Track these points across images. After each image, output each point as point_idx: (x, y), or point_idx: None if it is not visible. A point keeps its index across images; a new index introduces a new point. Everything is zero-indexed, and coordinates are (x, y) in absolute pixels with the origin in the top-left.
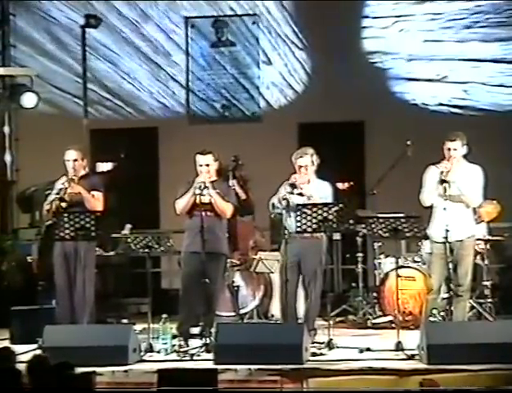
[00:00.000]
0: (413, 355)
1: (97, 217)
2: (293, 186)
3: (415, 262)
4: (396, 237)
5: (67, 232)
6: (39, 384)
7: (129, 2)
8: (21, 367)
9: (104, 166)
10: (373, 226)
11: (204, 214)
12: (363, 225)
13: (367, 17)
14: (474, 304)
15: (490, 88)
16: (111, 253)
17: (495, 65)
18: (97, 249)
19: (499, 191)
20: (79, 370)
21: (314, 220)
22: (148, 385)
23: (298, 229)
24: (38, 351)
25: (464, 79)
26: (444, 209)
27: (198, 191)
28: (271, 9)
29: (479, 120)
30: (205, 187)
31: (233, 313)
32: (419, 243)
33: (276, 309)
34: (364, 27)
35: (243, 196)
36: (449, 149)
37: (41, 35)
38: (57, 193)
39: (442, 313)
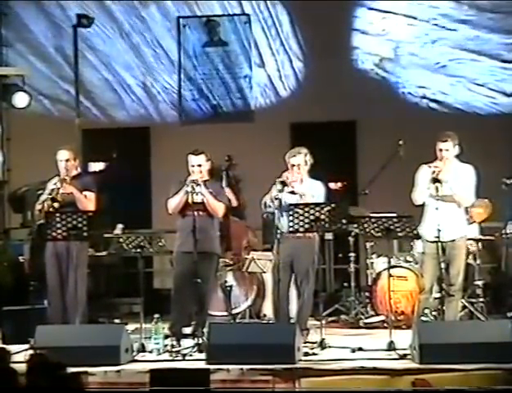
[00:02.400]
0: (405, 355)
1: (89, 217)
2: (283, 183)
3: (407, 262)
4: (388, 237)
5: (59, 232)
6: (38, 383)
7: (121, 2)
8: (16, 367)
9: (96, 166)
10: (365, 226)
11: (196, 213)
12: (355, 225)
13: (363, 6)
14: (466, 304)
15: (473, 86)
16: (103, 253)
17: (490, 61)
18: (89, 249)
19: (490, 191)
20: (71, 370)
21: (306, 220)
22: (140, 385)
23: (291, 229)
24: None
25: (457, 73)
26: (436, 208)
27: (190, 189)
28: (264, 8)
29: (472, 120)
30: (197, 184)
31: (225, 313)
32: (412, 243)
33: (268, 308)
34: (355, 17)
35: (234, 202)
36: (441, 150)
37: (33, 35)
38: (49, 193)
39: (434, 313)
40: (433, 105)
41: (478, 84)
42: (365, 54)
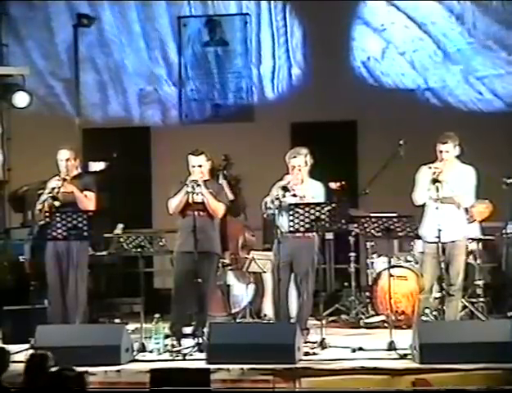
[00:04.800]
0: (405, 355)
1: (90, 217)
2: (285, 189)
3: (408, 261)
4: (388, 237)
5: (59, 231)
6: (37, 383)
7: (120, 2)
8: (16, 366)
9: (96, 166)
10: (365, 225)
11: (196, 213)
12: (356, 225)
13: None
14: (466, 304)
15: (471, 77)
16: (103, 253)
17: (501, 51)
18: (89, 248)
19: (491, 191)
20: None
21: (307, 220)
22: (141, 385)
23: (291, 229)
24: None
25: (462, 61)
26: (436, 208)
27: (190, 190)
28: (264, 8)
29: (472, 119)
30: (198, 184)
31: (225, 314)
32: (412, 243)
33: (268, 308)
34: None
35: (231, 196)
36: (441, 151)
37: (34, 34)
38: (50, 193)
39: (434, 313)
40: (427, 94)
41: (476, 78)
42: (364, 52)
